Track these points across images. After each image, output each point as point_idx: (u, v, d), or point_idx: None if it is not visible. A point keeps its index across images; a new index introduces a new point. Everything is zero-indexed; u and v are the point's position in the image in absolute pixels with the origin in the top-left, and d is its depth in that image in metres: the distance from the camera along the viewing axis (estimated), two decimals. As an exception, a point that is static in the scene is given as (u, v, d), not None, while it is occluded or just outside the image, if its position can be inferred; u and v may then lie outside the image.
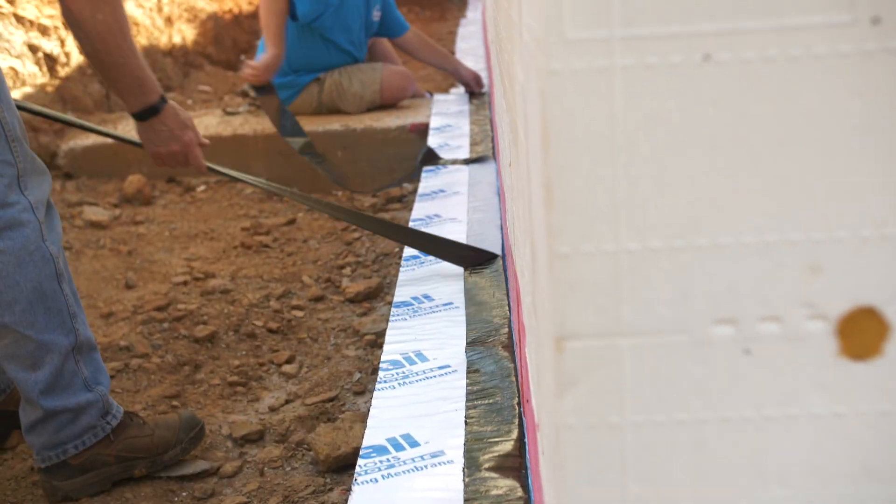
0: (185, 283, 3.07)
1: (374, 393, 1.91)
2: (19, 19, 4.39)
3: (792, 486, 0.75)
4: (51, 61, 4.50)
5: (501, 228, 2.62)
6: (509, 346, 1.98)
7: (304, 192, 3.25)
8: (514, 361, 1.89)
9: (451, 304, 2.28)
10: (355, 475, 1.63)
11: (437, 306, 2.28)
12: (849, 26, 0.66)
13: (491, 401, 1.78)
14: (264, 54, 4.07)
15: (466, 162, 3.51)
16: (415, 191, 3.40)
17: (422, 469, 1.63)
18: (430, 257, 2.57)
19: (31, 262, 1.84)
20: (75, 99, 4.56)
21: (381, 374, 1.98)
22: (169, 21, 5.95)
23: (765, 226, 0.71)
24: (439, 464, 1.63)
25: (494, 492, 1.51)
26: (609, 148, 0.70)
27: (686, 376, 0.73)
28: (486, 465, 1.58)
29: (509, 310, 2.13)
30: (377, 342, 2.53)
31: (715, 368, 0.73)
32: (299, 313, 2.84)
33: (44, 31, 4.50)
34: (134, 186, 3.92)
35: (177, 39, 5.95)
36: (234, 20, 7.06)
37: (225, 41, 6.64)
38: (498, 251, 2.53)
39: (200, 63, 6.06)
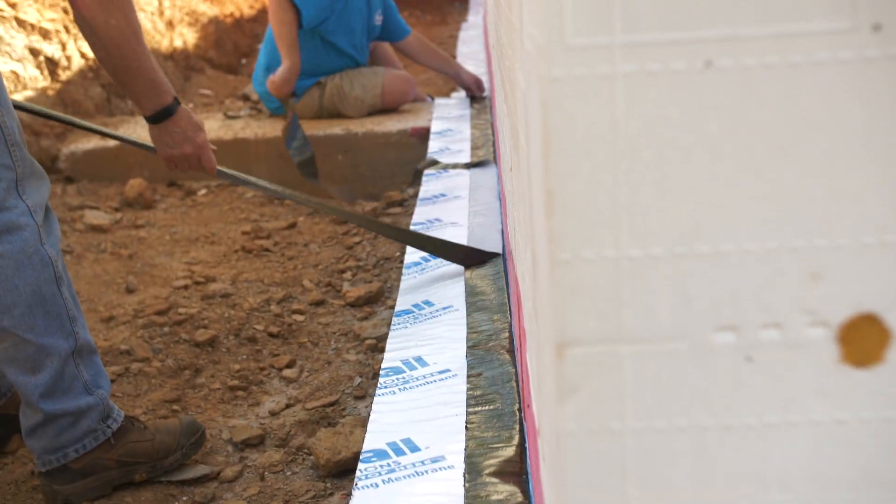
0: (185, 287, 3.07)
1: (375, 398, 1.91)
2: (21, 23, 4.40)
3: (793, 493, 0.75)
4: (52, 65, 4.50)
5: (502, 233, 2.62)
6: (510, 351, 1.98)
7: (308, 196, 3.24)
8: (514, 366, 1.89)
9: (451, 307, 2.28)
10: (356, 480, 1.63)
11: (437, 311, 2.28)
12: (850, 33, 0.66)
13: (492, 406, 1.78)
14: (280, 67, 4.07)
15: (467, 166, 3.51)
16: (416, 195, 3.40)
17: (422, 474, 1.62)
18: (431, 263, 2.57)
19: (30, 265, 1.85)
20: (76, 102, 4.56)
21: (381, 379, 1.98)
22: (170, 25, 5.96)
23: (766, 232, 0.71)
24: (440, 469, 1.63)
25: (495, 497, 1.51)
26: (610, 154, 0.70)
27: (687, 383, 0.73)
28: (487, 471, 1.58)
29: (510, 314, 2.13)
30: (378, 346, 2.53)
31: (716, 375, 0.73)
32: (300, 317, 2.84)
33: (45, 34, 4.50)
34: (135, 190, 3.92)
35: (178, 43, 5.95)
36: (236, 24, 7.06)
37: (226, 45, 6.65)
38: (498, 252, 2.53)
39: (201, 67, 6.06)
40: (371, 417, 1.83)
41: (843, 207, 0.69)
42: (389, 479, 1.62)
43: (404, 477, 1.62)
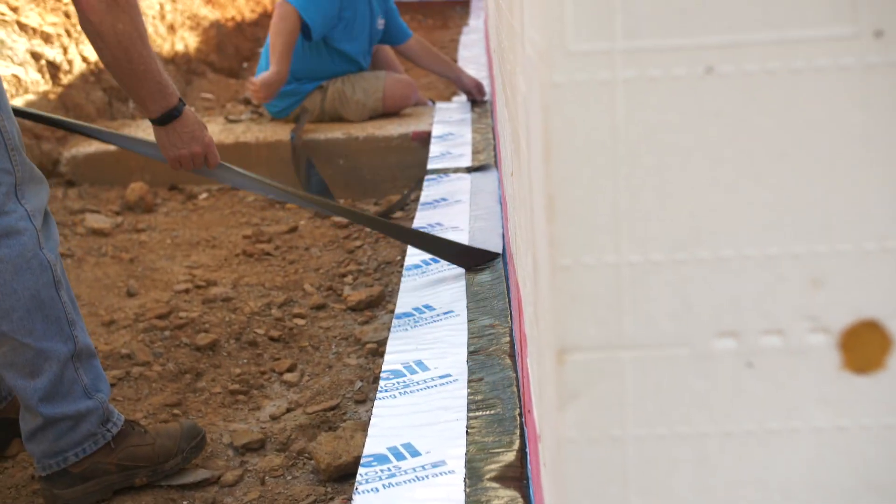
0: (186, 290, 3.06)
1: (375, 402, 1.91)
2: (22, 27, 4.40)
3: (794, 500, 0.75)
4: (53, 69, 4.50)
5: (503, 237, 2.61)
6: (511, 356, 1.97)
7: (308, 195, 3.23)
8: (515, 371, 1.89)
9: (452, 311, 2.28)
10: (356, 484, 1.63)
11: (438, 315, 2.28)
12: (851, 39, 0.66)
13: (492, 411, 1.78)
14: (267, 71, 4.05)
15: (469, 170, 3.51)
16: (417, 199, 3.40)
17: (423, 479, 1.62)
18: (432, 267, 2.57)
19: (29, 269, 1.85)
20: (78, 106, 4.56)
21: (381, 383, 1.97)
22: (172, 29, 5.96)
23: (767, 238, 0.70)
24: (440, 474, 1.63)
25: (496, 502, 1.51)
26: (611, 160, 0.70)
27: (688, 389, 0.73)
28: (488, 476, 1.58)
29: (511, 319, 2.12)
30: (378, 350, 2.53)
31: (717, 382, 0.73)
32: (301, 321, 2.84)
33: (47, 38, 4.50)
34: (136, 194, 3.92)
35: (179, 47, 5.96)
36: (237, 28, 7.07)
37: (227, 49, 6.65)
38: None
39: (203, 71, 6.07)
40: (371, 422, 1.83)
41: (844, 214, 0.69)
42: (390, 483, 1.62)
43: (405, 482, 1.62)
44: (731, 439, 0.74)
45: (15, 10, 4.42)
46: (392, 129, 4.18)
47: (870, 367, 0.72)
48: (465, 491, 1.55)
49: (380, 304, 2.91)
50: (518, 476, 1.56)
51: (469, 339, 2.11)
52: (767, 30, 0.67)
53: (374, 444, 1.74)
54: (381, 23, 4.39)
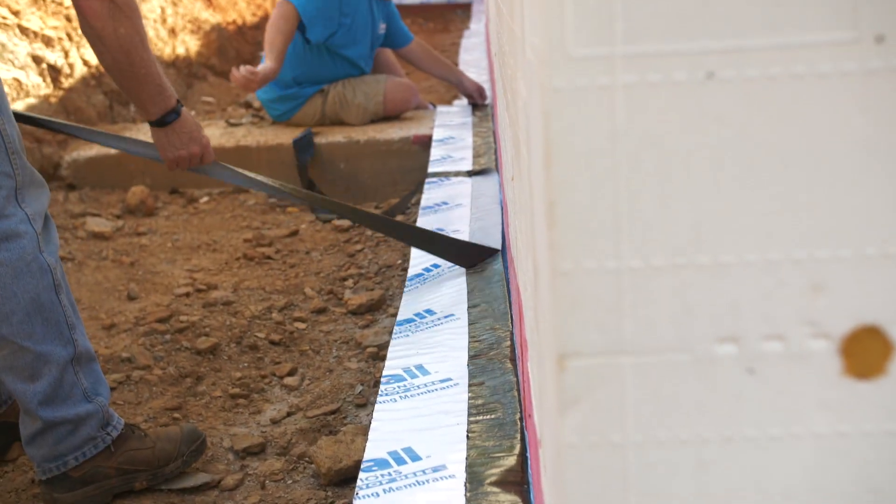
0: (187, 294, 3.06)
1: (376, 406, 1.91)
2: (23, 30, 4.40)
3: (795, 506, 0.74)
4: (54, 72, 4.50)
5: (504, 241, 2.61)
6: (512, 360, 1.97)
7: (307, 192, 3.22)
8: (516, 375, 1.88)
9: (453, 315, 2.27)
10: (357, 489, 1.63)
11: (438, 319, 2.28)
12: (852, 44, 0.66)
13: (493, 415, 1.78)
14: (262, 65, 4.05)
15: (469, 174, 3.51)
16: (418, 203, 3.40)
17: (423, 483, 1.62)
18: (433, 272, 2.57)
19: (29, 273, 1.85)
20: (78, 110, 4.57)
21: (382, 387, 1.97)
22: (173, 32, 5.96)
23: (767, 244, 0.70)
24: (441, 478, 1.62)
25: (496, 507, 1.50)
26: (611, 165, 0.70)
27: (688, 395, 0.73)
28: (489, 480, 1.58)
29: (512, 323, 2.12)
30: (379, 354, 2.53)
31: (717, 387, 0.73)
32: (301, 325, 2.83)
33: (48, 42, 4.50)
34: (137, 197, 3.92)
35: (180, 50, 5.96)
36: (238, 31, 7.07)
37: (228, 52, 6.65)
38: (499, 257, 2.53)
39: (204, 74, 6.07)
40: (372, 426, 1.82)
41: (845, 219, 0.69)
42: (390, 488, 1.62)
43: (405, 486, 1.62)
44: (732, 445, 0.74)
45: (16, 13, 4.43)
46: (393, 132, 4.18)
47: (871, 372, 0.71)
48: (465, 495, 1.55)
49: (380, 307, 2.91)
50: (519, 481, 1.56)
51: (470, 343, 2.11)
52: (768, 35, 0.66)
53: (374, 448, 1.74)
54: (382, 27, 4.39)
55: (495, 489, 1.55)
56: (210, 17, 6.60)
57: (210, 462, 2.14)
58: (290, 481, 2.06)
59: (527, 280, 1.18)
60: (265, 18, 7.53)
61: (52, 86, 4.47)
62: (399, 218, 3.69)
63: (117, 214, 3.89)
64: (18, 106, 4.13)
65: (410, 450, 1.72)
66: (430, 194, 3.33)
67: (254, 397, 2.45)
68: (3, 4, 4.36)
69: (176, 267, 3.34)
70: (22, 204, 1.85)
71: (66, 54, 4.60)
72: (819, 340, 0.71)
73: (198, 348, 2.67)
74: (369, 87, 4.31)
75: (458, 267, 2.57)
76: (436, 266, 2.63)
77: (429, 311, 2.33)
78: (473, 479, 1.59)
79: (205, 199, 4.08)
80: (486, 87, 4.60)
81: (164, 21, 5.91)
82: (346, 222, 3.65)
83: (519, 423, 1.72)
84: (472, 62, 5.82)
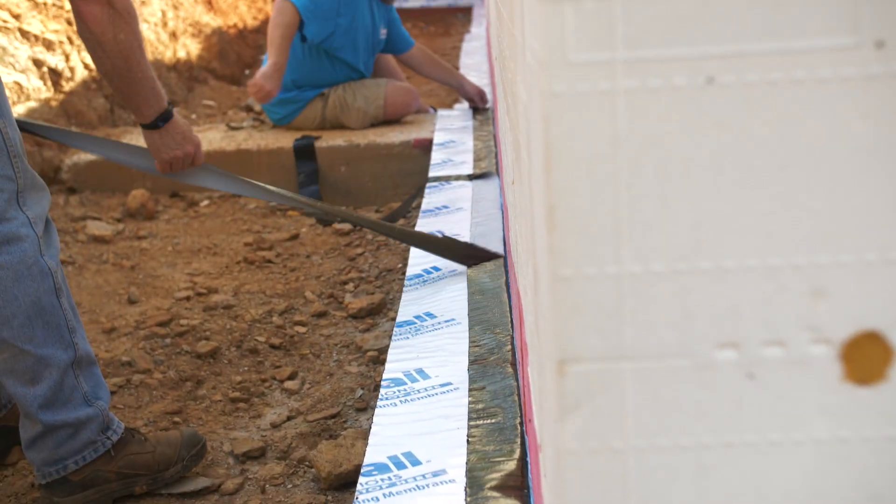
0: (187, 298, 3.06)
1: (376, 410, 1.90)
2: (24, 34, 4.41)
3: (796, 512, 0.74)
4: (55, 76, 4.51)
5: (504, 245, 2.61)
6: (513, 364, 1.97)
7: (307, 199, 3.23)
8: (517, 380, 1.88)
9: (453, 320, 2.27)
10: (357, 493, 1.63)
11: (439, 323, 2.28)
12: (853, 50, 0.66)
13: (493, 420, 1.78)
14: (266, 64, 4.06)
15: (470, 178, 3.51)
16: (418, 207, 3.40)
17: (423, 488, 1.62)
18: (434, 275, 2.57)
19: (30, 276, 1.85)
20: (79, 114, 4.57)
21: (382, 391, 1.97)
22: (174, 36, 5.97)
23: (768, 249, 0.70)
24: (441, 483, 1.62)
25: (496, 511, 1.50)
26: (611, 170, 0.70)
27: (689, 400, 0.73)
28: (489, 485, 1.58)
29: (512, 327, 2.12)
30: (380, 358, 2.52)
31: (718, 393, 0.72)
32: (302, 329, 2.83)
33: (48, 45, 4.51)
34: (137, 201, 3.92)
35: (181, 54, 5.96)
36: (239, 35, 7.08)
37: (229, 56, 6.66)
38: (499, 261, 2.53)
39: (205, 78, 6.07)
40: (372, 430, 1.82)
41: (845, 224, 0.69)
42: (390, 492, 1.61)
43: (405, 491, 1.62)
44: (732, 450, 0.73)
45: (17, 17, 4.43)
46: (393, 136, 4.18)
47: (871, 378, 0.71)
48: (465, 500, 1.55)
49: (381, 311, 2.91)
50: (519, 485, 1.56)
51: (470, 347, 2.11)
52: (769, 40, 0.66)
53: (374, 452, 1.74)
54: (383, 32, 4.39)
55: (495, 494, 1.55)
56: (211, 21, 6.61)
57: (210, 466, 2.14)
58: (290, 485, 2.06)
59: (527, 284, 1.18)
60: (266, 22, 7.53)
61: (52, 89, 4.47)
62: (400, 222, 3.70)
63: (118, 218, 3.89)
64: (19, 109, 4.14)
65: (410, 454, 1.72)
66: (431, 198, 3.33)
67: (254, 401, 2.45)
68: (3, 8, 4.37)
69: (176, 270, 3.34)
70: (23, 207, 1.85)
71: (67, 58, 4.60)
72: (819, 346, 0.71)
73: (198, 352, 2.67)
74: (370, 90, 4.31)
75: (458, 270, 2.57)
76: (436, 269, 2.63)
77: (429, 315, 2.33)
78: (474, 484, 1.59)
79: (205, 202, 4.08)
80: (487, 90, 4.60)
81: (164, 24, 5.91)
82: (346, 226, 3.65)
83: (519, 427, 1.72)
84: (472, 66, 5.83)
